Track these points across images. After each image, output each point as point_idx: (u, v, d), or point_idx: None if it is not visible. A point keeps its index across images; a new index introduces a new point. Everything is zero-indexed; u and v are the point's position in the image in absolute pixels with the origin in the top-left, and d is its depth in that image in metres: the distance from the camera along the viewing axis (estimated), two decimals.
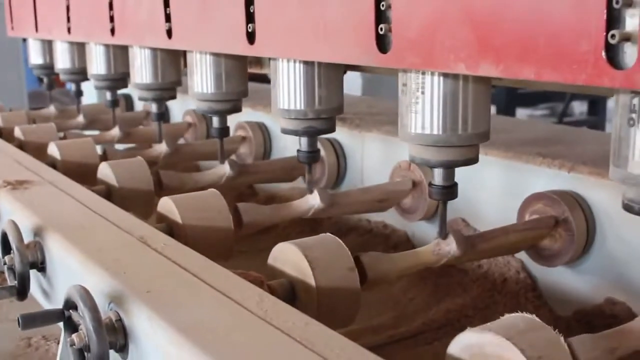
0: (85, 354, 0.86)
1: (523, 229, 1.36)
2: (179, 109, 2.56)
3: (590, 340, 0.88)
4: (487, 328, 0.79)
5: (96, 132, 2.43)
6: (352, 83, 3.73)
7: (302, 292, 1.06)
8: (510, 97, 5.72)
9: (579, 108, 6.60)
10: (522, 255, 1.46)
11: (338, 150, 1.90)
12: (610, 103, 6.03)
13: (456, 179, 1.17)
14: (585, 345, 0.86)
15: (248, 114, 2.17)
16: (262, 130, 2.18)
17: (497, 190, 1.53)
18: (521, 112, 6.16)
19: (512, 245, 1.38)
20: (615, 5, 0.71)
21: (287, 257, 1.09)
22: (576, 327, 1.34)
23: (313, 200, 1.49)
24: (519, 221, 1.42)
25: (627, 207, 0.88)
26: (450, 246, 1.23)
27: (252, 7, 1.26)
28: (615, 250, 1.34)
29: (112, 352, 0.86)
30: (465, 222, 1.58)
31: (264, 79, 2.06)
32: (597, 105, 6.16)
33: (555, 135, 1.73)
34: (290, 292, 1.07)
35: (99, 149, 1.97)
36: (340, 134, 1.88)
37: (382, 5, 1.00)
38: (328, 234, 1.13)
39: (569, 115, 6.26)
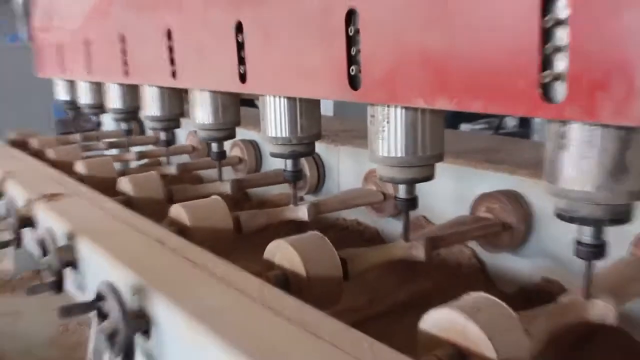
0: (115, 338, 0.86)
1: (477, 235, 1.37)
2: (183, 130, 2.55)
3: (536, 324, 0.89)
4: (474, 319, 0.78)
5: (114, 152, 2.42)
6: (326, 105, 3.76)
7: (294, 281, 1.06)
8: (454, 114, 5.73)
9: (511, 122, 6.63)
10: (473, 245, 1.47)
11: (318, 161, 1.90)
12: (537, 118, 6.07)
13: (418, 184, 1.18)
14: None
15: (242, 133, 2.16)
16: (254, 146, 2.18)
17: (452, 191, 1.52)
18: (464, 126, 6.18)
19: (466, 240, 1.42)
20: (547, 50, 0.72)
21: (281, 252, 1.09)
22: (520, 303, 1.34)
23: (302, 214, 1.51)
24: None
25: (559, 216, 0.89)
26: (419, 253, 1.24)
27: (243, 52, 1.26)
28: (549, 238, 1.34)
29: (137, 336, 0.86)
30: (426, 219, 1.57)
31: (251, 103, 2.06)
32: (525, 120, 6.20)
33: (496, 144, 1.73)
34: (285, 281, 1.06)
35: (117, 167, 1.95)
36: (320, 148, 1.87)
37: (353, 50, 1.00)
38: (315, 232, 1.13)
39: (503, 128, 6.29)
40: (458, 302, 0.83)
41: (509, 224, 1.34)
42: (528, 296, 1.35)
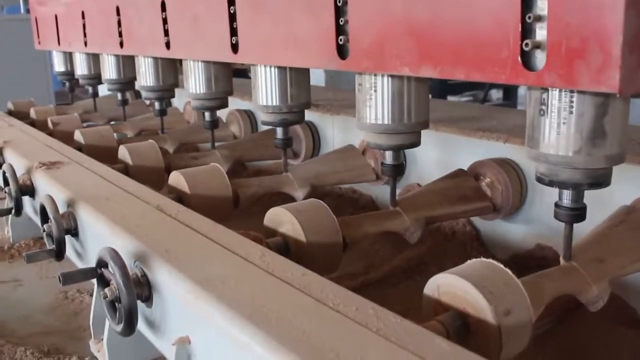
0: (116, 304, 0.85)
1: (470, 215, 1.38)
2: (180, 101, 2.52)
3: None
4: (500, 319, 0.77)
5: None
6: (317, 76, 3.75)
7: (294, 247, 1.05)
8: (441, 86, 5.75)
9: (496, 95, 6.64)
10: None
11: (313, 129, 1.90)
12: (521, 90, 6.09)
13: (413, 150, 1.16)
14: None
15: (237, 103, 2.15)
16: (249, 115, 2.15)
17: (445, 158, 1.51)
18: (450, 98, 6.16)
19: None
20: (528, 20, 0.73)
21: (281, 218, 1.08)
22: (513, 268, 1.32)
23: (297, 196, 1.48)
24: None
25: (539, 179, 0.90)
26: (414, 236, 1.23)
27: (235, 23, 1.27)
28: (542, 205, 1.33)
29: (138, 303, 0.84)
30: (420, 186, 1.55)
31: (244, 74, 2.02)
32: (510, 92, 6.22)
33: (487, 113, 1.71)
34: (285, 247, 1.06)
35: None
36: (315, 116, 1.88)
37: (341, 21, 1.01)
38: (314, 199, 1.12)
39: (488, 101, 6.29)
40: (488, 287, 0.79)
41: (501, 188, 1.33)
42: (522, 262, 1.35)
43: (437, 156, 1.52)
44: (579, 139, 0.81)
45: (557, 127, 0.82)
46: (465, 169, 1.39)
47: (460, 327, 0.79)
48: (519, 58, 0.74)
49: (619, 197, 1.15)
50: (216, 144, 1.80)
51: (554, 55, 0.71)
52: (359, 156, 1.64)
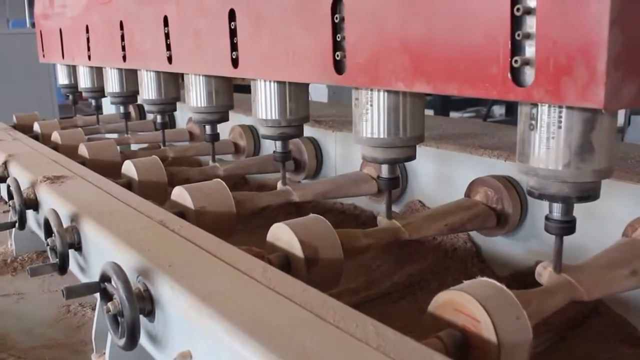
0: (119, 318, 0.85)
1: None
2: (182, 115, 2.54)
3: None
4: (489, 315, 0.78)
5: (115, 136, 2.40)
6: (321, 92, 3.76)
7: (296, 263, 1.06)
8: (444, 102, 5.77)
9: (499, 111, 6.66)
10: None
11: (316, 145, 1.90)
12: None
13: (415, 167, 1.17)
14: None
15: (241, 119, 2.17)
16: (252, 131, 2.16)
17: (447, 175, 1.52)
18: (453, 114, 6.19)
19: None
20: (517, 37, 0.76)
21: (282, 235, 1.09)
22: (513, 286, 1.32)
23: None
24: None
25: (530, 193, 0.92)
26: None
27: (235, 39, 1.30)
28: (543, 222, 1.31)
29: (141, 317, 0.85)
30: (421, 203, 1.57)
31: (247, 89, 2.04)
32: (512, 108, 6.24)
33: (489, 131, 1.72)
34: (286, 263, 1.06)
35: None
36: (317, 133, 1.89)
37: (338, 37, 1.04)
38: (315, 215, 1.13)
39: (491, 117, 6.31)
40: (489, 304, 0.80)
41: (502, 205, 1.34)
42: (522, 279, 1.35)
43: (438, 173, 1.53)
44: (568, 153, 0.83)
45: (547, 142, 0.84)
46: (465, 186, 1.41)
47: (460, 344, 0.80)
48: (509, 74, 0.77)
49: (620, 215, 1.16)
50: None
51: (542, 71, 0.73)
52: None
